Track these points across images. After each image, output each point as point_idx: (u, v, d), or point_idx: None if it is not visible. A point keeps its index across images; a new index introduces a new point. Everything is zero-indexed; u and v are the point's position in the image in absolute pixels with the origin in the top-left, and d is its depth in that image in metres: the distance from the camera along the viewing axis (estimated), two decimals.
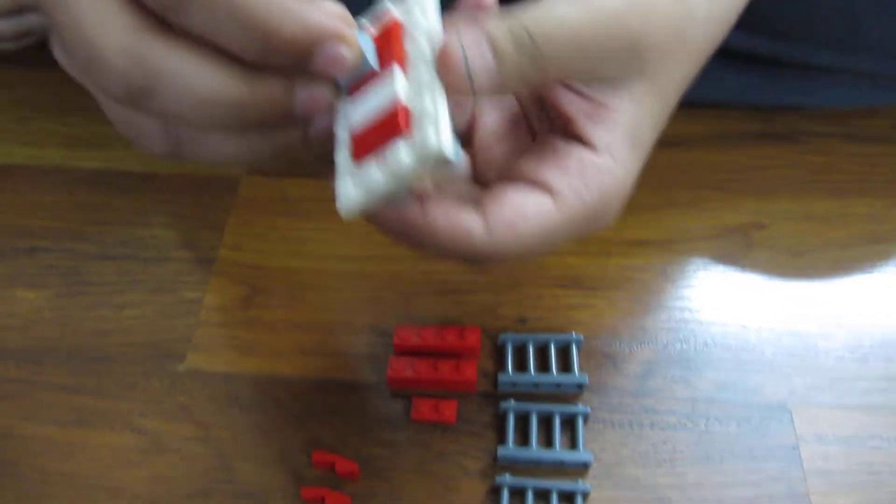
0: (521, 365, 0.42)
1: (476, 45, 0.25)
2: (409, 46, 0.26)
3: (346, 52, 0.23)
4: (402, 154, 0.24)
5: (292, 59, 0.23)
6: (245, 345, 0.43)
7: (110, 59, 0.22)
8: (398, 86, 0.25)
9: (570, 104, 0.28)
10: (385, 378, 0.41)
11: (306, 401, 0.41)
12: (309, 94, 0.24)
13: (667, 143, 0.53)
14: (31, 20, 0.54)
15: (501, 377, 0.41)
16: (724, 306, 0.44)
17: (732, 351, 0.42)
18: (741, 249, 0.47)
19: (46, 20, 0.54)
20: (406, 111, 0.25)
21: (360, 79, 0.26)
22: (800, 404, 0.40)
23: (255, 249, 0.47)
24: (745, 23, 0.46)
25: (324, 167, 0.27)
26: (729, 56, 0.48)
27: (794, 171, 0.50)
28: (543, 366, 0.42)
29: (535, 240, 0.27)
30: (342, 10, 0.24)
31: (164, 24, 0.23)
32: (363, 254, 0.47)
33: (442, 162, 0.24)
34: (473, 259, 0.27)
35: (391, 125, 0.24)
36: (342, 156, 0.26)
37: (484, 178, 0.30)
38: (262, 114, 0.24)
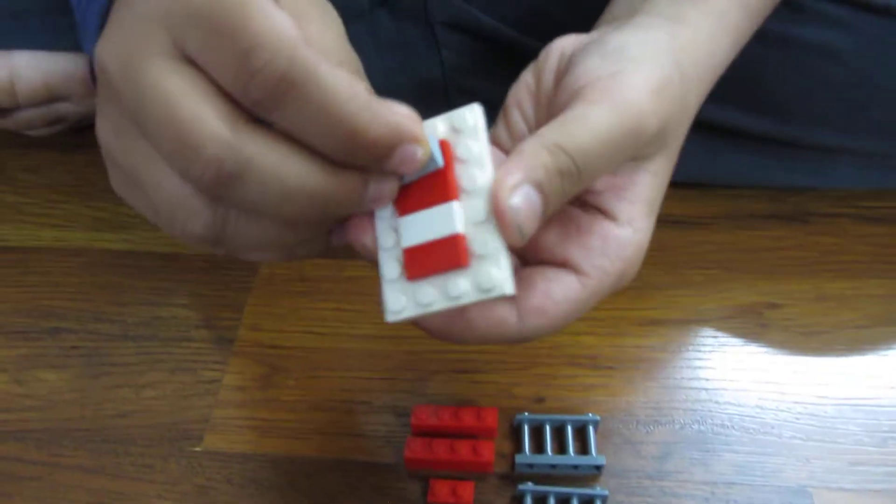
0: (538, 446, 0.42)
1: (526, 201, 0.26)
2: (460, 171, 0.28)
3: (420, 154, 0.25)
4: (462, 287, 0.26)
5: (372, 158, 0.25)
6: (263, 425, 0.43)
7: (205, 145, 0.23)
8: (456, 218, 0.27)
9: (599, 181, 0.30)
10: (403, 458, 0.41)
11: (324, 482, 0.41)
12: (378, 189, 0.26)
13: (680, 222, 0.54)
14: (62, 108, 0.56)
15: (518, 458, 0.41)
16: (740, 387, 0.44)
17: (750, 433, 0.42)
18: (755, 329, 0.47)
19: (80, 108, 0.57)
20: (465, 246, 0.27)
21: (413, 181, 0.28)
22: (820, 488, 0.40)
23: (273, 329, 0.48)
24: (755, 105, 0.48)
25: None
26: (740, 138, 0.49)
27: (805, 251, 0.51)
28: (561, 447, 0.42)
29: (564, 317, 0.28)
30: (413, 112, 0.26)
31: (255, 118, 0.24)
32: (380, 333, 0.47)
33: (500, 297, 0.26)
34: (508, 343, 0.29)
35: (451, 257, 0.26)
36: (390, 267, 0.28)
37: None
38: (339, 206, 0.25)
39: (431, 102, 0.54)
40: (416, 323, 0.28)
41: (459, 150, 0.28)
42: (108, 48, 0.26)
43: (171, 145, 0.24)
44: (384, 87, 0.53)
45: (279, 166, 0.24)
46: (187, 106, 0.23)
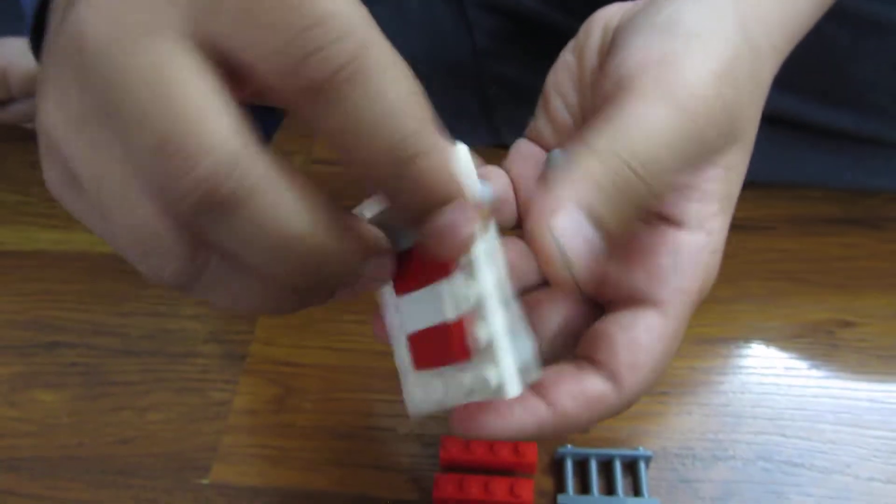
0: (583, 484, 0.37)
1: (574, 229, 0.21)
2: None
3: (474, 230, 0.20)
4: (464, 382, 0.22)
5: (417, 206, 0.19)
6: (276, 454, 0.39)
7: (202, 154, 0.17)
8: (446, 302, 0.22)
9: None
10: (430, 497, 0.37)
11: None
12: (380, 265, 0.22)
13: (738, 226, 0.48)
14: None
15: (561, 499, 0.36)
16: (810, 417, 0.39)
17: (823, 472, 0.37)
18: (826, 350, 0.42)
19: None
20: (463, 336, 0.21)
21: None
22: None
23: (288, 344, 0.44)
24: (833, 97, 0.42)
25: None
26: (808, 132, 0.44)
27: (880, 262, 0.45)
28: (608, 486, 0.37)
29: (662, 360, 0.24)
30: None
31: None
32: None
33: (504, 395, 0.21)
34: (613, 416, 0.25)
35: (451, 350, 0.22)
36: (401, 354, 0.25)
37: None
38: (331, 274, 0.20)
39: (463, 89, 0.49)
40: (504, 437, 0.24)
41: None
42: (94, 17, 0.19)
43: (155, 146, 0.17)
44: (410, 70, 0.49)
45: (284, 204, 0.18)
46: (192, 98, 0.17)
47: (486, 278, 0.21)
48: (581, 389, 0.24)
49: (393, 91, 0.18)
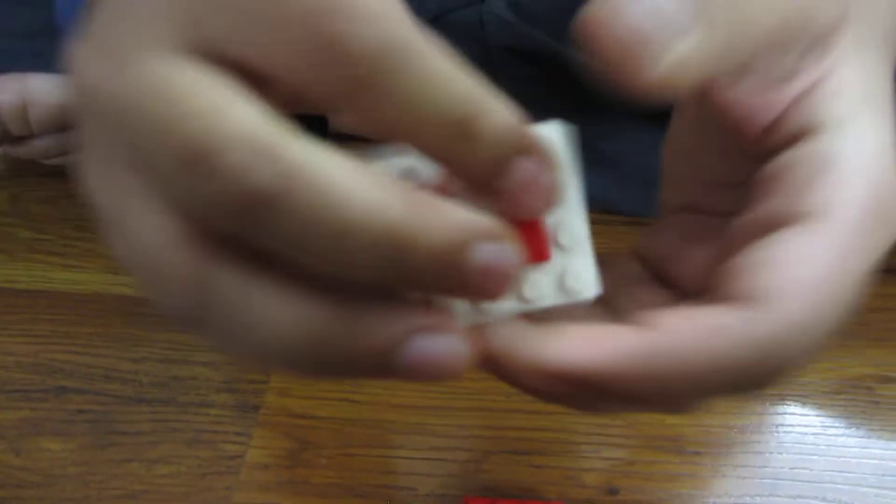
0: None
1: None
2: None
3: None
4: (542, 289, 0.20)
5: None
6: None
7: (231, 151, 0.15)
8: None
9: (776, 103, 0.19)
10: None
11: None
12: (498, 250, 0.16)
13: None
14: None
15: None
16: (852, 480, 0.37)
17: None
18: (867, 408, 0.40)
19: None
20: (545, 240, 0.19)
21: None
22: None
23: (304, 395, 0.42)
24: None
25: None
26: None
27: None
28: None
29: (832, 280, 0.17)
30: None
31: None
32: (425, 403, 0.41)
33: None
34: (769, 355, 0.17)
35: (532, 251, 0.19)
36: None
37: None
38: (356, 358, 0.17)
39: None
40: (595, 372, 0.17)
41: None
42: (87, 50, 0.18)
43: (178, 158, 0.15)
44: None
45: (340, 184, 0.15)
46: (204, 98, 0.16)
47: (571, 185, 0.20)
48: (699, 314, 0.17)
49: (436, 63, 0.16)
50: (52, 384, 0.43)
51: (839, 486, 0.37)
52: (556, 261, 0.20)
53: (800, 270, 0.17)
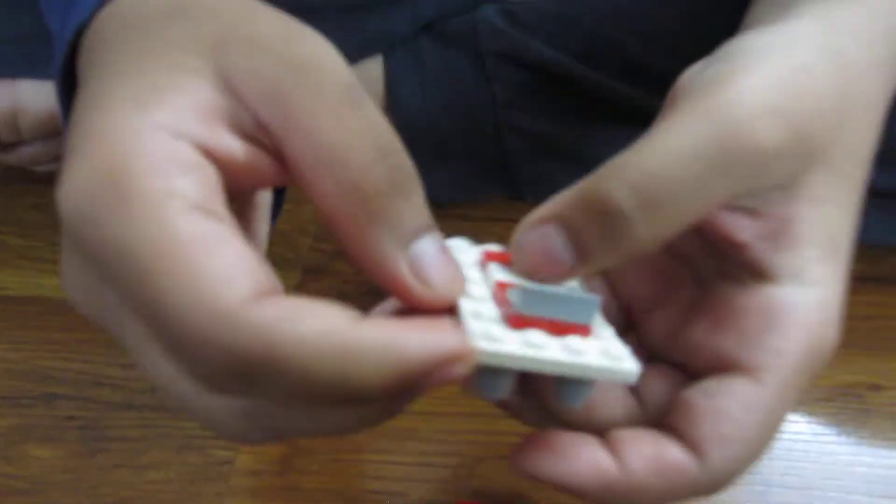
0: None
1: (540, 240, 0.22)
2: None
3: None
4: (587, 346, 0.20)
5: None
6: None
7: (217, 330, 0.17)
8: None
9: (740, 229, 0.22)
10: None
11: None
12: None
13: None
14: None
15: None
16: (843, 486, 0.37)
17: None
18: (856, 415, 0.40)
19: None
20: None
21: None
22: None
23: None
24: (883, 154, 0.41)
25: None
26: None
27: None
28: None
29: (758, 436, 0.22)
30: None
31: None
32: (416, 408, 0.40)
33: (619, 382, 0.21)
34: (699, 496, 0.22)
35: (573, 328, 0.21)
36: (479, 305, 0.21)
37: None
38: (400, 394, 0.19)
39: (482, 141, 0.48)
40: (561, 484, 0.22)
41: None
42: (70, 186, 0.19)
43: (162, 321, 0.17)
44: (428, 123, 0.48)
45: (320, 360, 0.17)
46: (213, 267, 0.17)
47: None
48: (656, 454, 0.21)
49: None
50: (41, 391, 0.43)
51: (829, 494, 0.37)
52: (596, 337, 0.21)
53: (735, 428, 0.21)
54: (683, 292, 0.25)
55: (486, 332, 0.20)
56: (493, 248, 0.25)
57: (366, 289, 0.46)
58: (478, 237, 0.49)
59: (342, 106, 0.19)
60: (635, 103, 0.44)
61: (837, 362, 0.42)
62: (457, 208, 0.50)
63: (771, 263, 0.22)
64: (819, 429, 0.39)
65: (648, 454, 0.21)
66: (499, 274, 0.23)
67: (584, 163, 0.52)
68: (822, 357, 0.23)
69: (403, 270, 0.19)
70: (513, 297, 0.21)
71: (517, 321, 0.20)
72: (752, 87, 0.21)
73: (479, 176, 0.49)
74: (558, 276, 0.21)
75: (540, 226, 0.21)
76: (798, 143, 0.21)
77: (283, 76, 0.19)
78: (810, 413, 0.40)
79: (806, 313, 0.22)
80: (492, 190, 0.50)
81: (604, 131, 0.46)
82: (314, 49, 0.20)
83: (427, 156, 0.49)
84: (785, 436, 0.39)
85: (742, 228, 0.22)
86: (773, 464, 0.38)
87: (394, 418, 0.21)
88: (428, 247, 0.20)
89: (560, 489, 0.22)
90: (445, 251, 0.20)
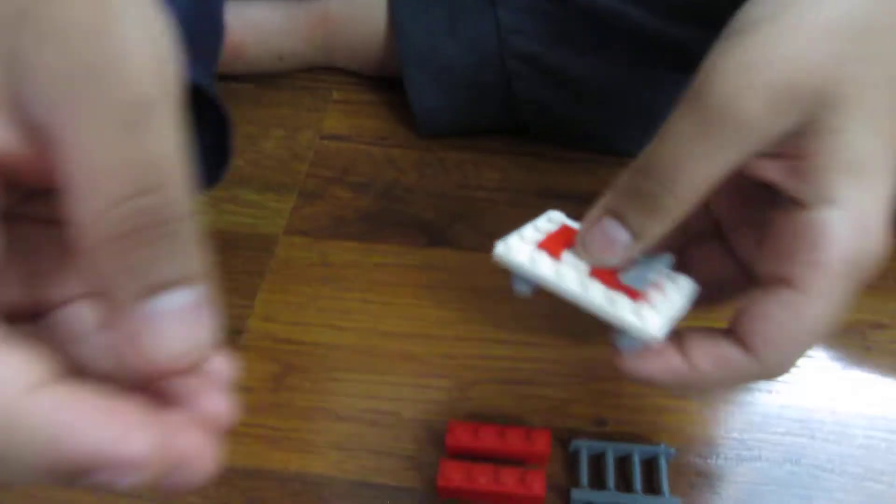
0: (598, 479, 0.35)
1: (600, 231, 0.26)
2: None
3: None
4: (625, 306, 0.25)
5: None
6: (272, 435, 0.37)
7: None
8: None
9: (768, 171, 0.25)
10: (434, 485, 0.34)
11: None
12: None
13: None
14: None
15: (575, 494, 0.34)
16: (841, 420, 0.37)
17: (855, 479, 0.35)
18: (859, 352, 0.39)
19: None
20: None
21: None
22: None
23: (289, 321, 0.41)
24: None
25: None
26: None
27: None
28: (625, 482, 0.35)
29: (804, 338, 0.25)
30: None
31: None
32: (412, 331, 0.41)
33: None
34: (751, 382, 0.30)
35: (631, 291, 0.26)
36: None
37: None
38: None
39: (484, 67, 0.47)
40: (649, 381, 0.27)
41: None
42: None
43: None
44: (430, 48, 0.47)
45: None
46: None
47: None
48: (717, 352, 0.26)
49: None
50: None
51: (828, 427, 0.37)
52: (640, 303, 0.26)
53: (782, 331, 0.25)
54: (759, 216, 0.27)
55: (517, 247, 0.27)
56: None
57: (362, 213, 0.45)
58: (480, 167, 0.49)
59: (119, 127, 0.16)
60: (644, 33, 0.43)
61: None
62: (461, 138, 0.49)
63: (801, 193, 0.25)
64: (821, 364, 0.39)
65: (711, 352, 0.26)
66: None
67: (586, 92, 0.51)
68: (864, 266, 0.25)
69: (127, 327, 0.17)
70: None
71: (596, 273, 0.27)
72: (736, 64, 0.24)
73: (480, 104, 0.48)
74: (622, 255, 0.26)
75: (597, 221, 0.26)
76: (790, 101, 0.23)
77: (72, 76, 0.16)
78: (813, 348, 0.39)
79: (839, 230, 0.24)
80: (493, 119, 0.49)
81: (606, 61, 0.45)
82: (122, 48, 0.17)
83: (429, 82, 0.48)
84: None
85: (769, 169, 0.25)
86: (771, 395, 0.38)
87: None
88: (170, 304, 0.17)
89: (648, 385, 0.27)
90: (198, 310, 0.18)
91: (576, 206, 0.45)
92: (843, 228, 0.24)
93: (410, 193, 0.47)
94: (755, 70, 0.23)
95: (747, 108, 0.23)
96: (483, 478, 0.34)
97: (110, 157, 0.16)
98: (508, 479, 0.34)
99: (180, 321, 0.17)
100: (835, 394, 0.38)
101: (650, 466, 0.35)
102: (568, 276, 0.26)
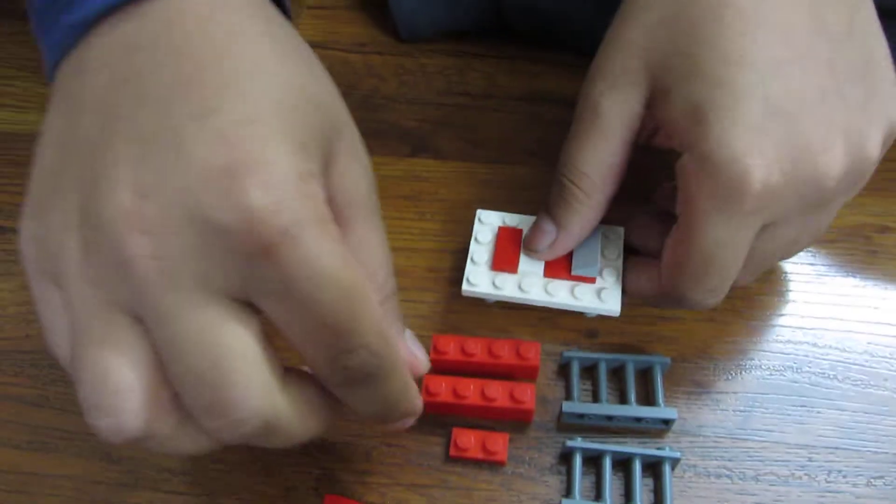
0: (591, 392, 0.33)
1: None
2: None
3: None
4: (585, 291, 0.33)
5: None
6: None
7: (246, 416, 0.22)
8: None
9: (660, 139, 0.34)
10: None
11: None
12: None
13: None
14: None
15: (566, 406, 0.32)
16: (845, 327, 0.35)
17: (858, 385, 0.33)
18: (863, 257, 0.37)
19: None
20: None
21: None
22: None
23: None
24: None
25: None
26: None
27: None
28: (619, 394, 0.33)
29: (690, 270, 0.30)
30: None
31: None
32: (394, 244, 0.38)
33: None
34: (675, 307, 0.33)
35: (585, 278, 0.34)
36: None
37: None
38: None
39: (480, 18, 0.44)
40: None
41: None
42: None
43: (208, 405, 0.21)
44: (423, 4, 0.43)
45: (302, 421, 0.24)
46: (234, 365, 0.21)
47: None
48: (651, 274, 0.32)
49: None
50: None
51: (831, 333, 0.35)
52: (599, 285, 0.34)
53: (671, 260, 0.31)
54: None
55: (477, 279, 0.34)
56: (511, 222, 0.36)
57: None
58: (464, 73, 0.46)
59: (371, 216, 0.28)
60: None
61: (846, 204, 0.39)
62: (444, 42, 0.46)
63: (677, 148, 0.29)
64: (824, 269, 0.37)
65: (646, 275, 0.32)
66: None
67: None
68: (736, 191, 0.28)
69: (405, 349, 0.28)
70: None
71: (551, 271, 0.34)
72: (596, 63, 0.31)
73: (463, 1, 0.45)
74: (557, 247, 0.33)
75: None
76: (627, 84, 0.30)
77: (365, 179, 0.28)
78: (814, 252, 0.37)
79: (690, 170, 0.28)
80: (477, 20, 0.46)
81: None
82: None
83: None
84: (788, 276, 0.37)
85: (660, 138, 0.33)
86: (772, 300, 0.36)
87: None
88: (409, 335, 0.29)
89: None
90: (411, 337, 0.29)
91: (563, 109, 0.43)
92: (693, 168, 0.27)
93: (391, 102, 0.44)
94: (607, 68, 0.30)
95: (602, 103, 0.30)
96: (470, 393, 0.32)
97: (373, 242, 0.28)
98: (496, 394, 0.32)
99: (416, 342, 0.29)
100: (839, 300, 0.36)
101: (645, 378, 0.34)
102: (532, 289, 0.33)
